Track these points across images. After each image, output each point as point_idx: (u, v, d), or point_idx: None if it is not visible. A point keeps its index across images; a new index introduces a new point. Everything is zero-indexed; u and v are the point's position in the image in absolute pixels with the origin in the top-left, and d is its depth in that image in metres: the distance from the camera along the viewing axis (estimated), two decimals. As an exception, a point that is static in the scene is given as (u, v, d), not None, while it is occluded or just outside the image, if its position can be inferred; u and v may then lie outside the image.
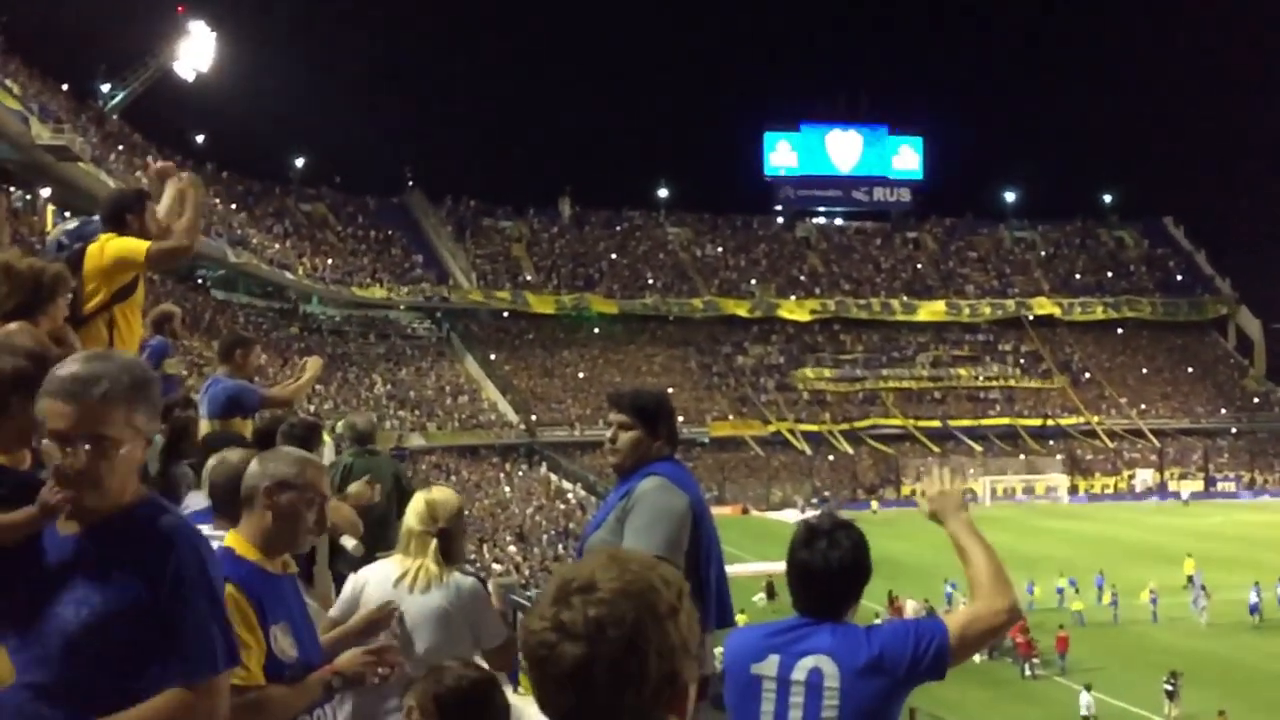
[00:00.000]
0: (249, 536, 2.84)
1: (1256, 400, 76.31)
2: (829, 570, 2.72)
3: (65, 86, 48.16)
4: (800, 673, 2.65)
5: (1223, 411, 74.72)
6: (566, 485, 55.77)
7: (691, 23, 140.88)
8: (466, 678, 2.67)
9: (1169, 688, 21.92)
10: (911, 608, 30.20)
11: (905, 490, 65.38)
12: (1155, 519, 52.96)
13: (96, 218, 4.87)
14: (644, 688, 1.29)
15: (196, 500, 3.83)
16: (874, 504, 58.96)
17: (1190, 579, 33.71)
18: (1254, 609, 30.00)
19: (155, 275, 33.41)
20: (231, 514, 3.21)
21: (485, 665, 3.29)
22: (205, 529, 2.81)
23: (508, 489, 52.09)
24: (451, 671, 2.70)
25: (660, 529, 3.26)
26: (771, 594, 32.63)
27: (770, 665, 2.67)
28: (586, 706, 1.29)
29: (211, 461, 3.58)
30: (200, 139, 65.30)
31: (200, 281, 52.08)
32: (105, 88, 54.55)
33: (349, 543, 6.03)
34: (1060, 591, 32.39)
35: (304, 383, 6.40)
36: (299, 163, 73.29)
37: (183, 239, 4.53)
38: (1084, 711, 21.83)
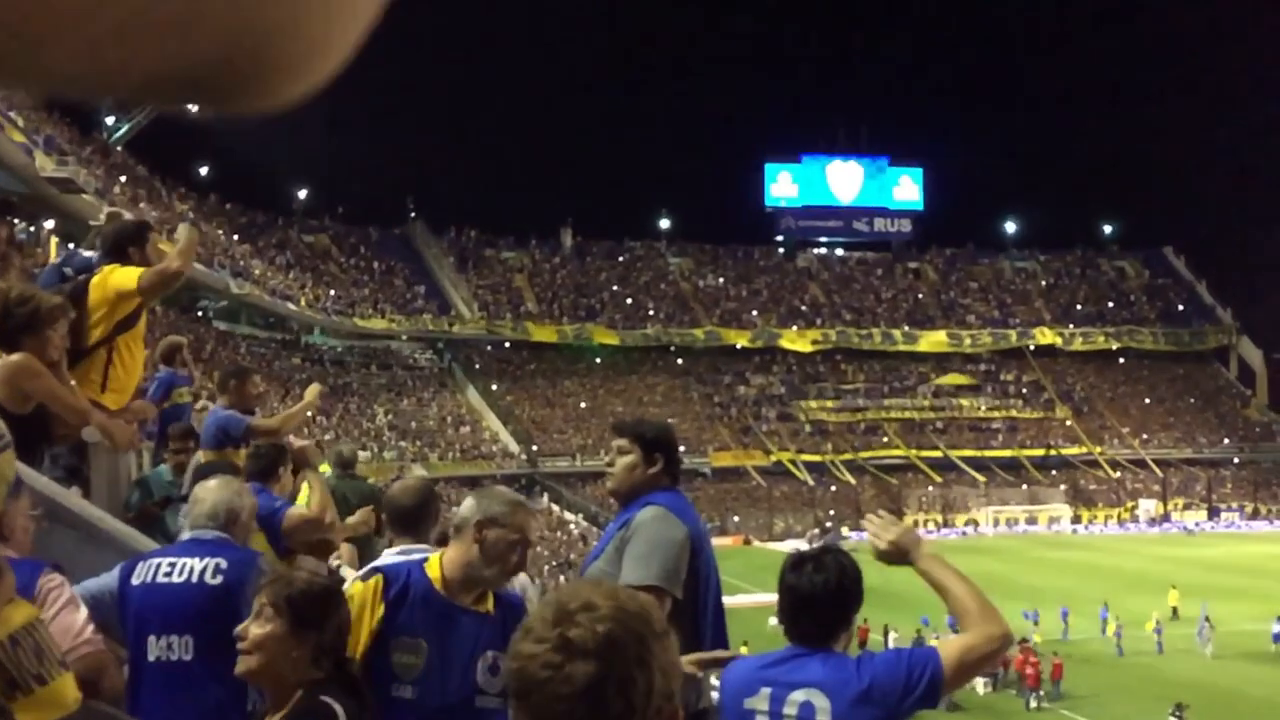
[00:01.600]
0: (446, 562, 2.99)
1: (1259, 430, 76.17)
2: (816, 596, 2.70)
3: (70, 119, 48.44)
4: (791, 707, 2.63)
5: (1225, 441, 74.55)
6: (568, 516, 55.62)
7: (693, 55, 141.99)
8: (316, 583, 2.68)
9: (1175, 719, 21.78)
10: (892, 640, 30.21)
11: (907, 521, 65.16)
12: (1159, 549, 52.72)
13: (84, 251, 4.93)
14: (649, 705, 1.27)
15: (185, 533, 3.85)
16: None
17: (1174, 610, 33.86)
18: (1277, 638, 30.12)
19: (156, 306, 33.53)
20: (411, 531, 3.70)
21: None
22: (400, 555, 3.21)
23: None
24: (301, 576, 2.73)
25: (658, 558, 3.25)
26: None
27: (762, 699, 2.65)
28: None
29: (197, 490, 3.60)
30: (204, 171, 65.59)
31: (202, 313, 52.16)
32: (109, 120, 54.86)
33: (349, 572, 6.07)
34: (1065, 617, 32.22)
35: (295, 410, 6.41)
36: (301, 194, 73.65)
37: (172, 261, 4.57)
38: None
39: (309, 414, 7.20)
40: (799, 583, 2.73)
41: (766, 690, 2.65)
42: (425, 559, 3.07)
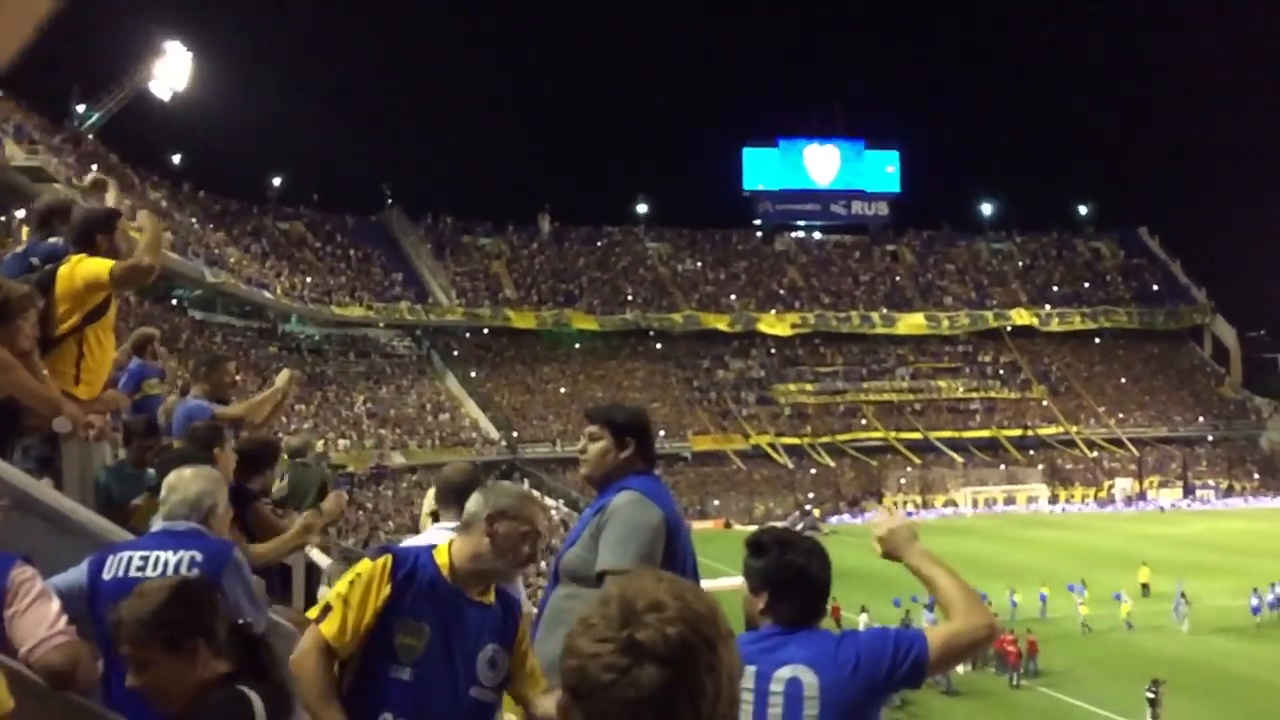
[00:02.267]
0: (455, 553, 3.01)
1: (1233, 408, 76.89)
2: (800, 578, 2.73)
3: (40, 108, 47.90)
4: (778, 684, 2.63)
5: (1200, 420, 75.25)
6: (549, 502, 55.57)
7: (670, 41, 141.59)
8: (171, 594, 2.61)
9: (1151, 695, 21.98)
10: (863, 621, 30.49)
11: (887, 502, 65.56)
12: (1136, 527, 53.23)
13: (53, 240, 4.86)
14: (716, 711, 1.20)
15: (155, 525, 3.81)
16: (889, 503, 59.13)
17: (1145, 587, 34.31)
18: (1256, 610, 30.76)
19: (130, 295, 33.24)
20: (460, 505, 3.58)
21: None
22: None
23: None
24: (152, 594, 2.63)
25: (633, 543, 3.25)
26: None
27: (747, 678, 2.64)
28: None
29: (173, 478, 3.55)
30: (177, 159, 65.06)
31: (177, 302, 51.79)
32: (80, 108, 54.26)
33: (324, 560, 6.07)
34: (1044, 599, 32.47)
35: (263, 397, 6.32)
36: (276, 182, 73.14)
37: (144, 256, 4.51)
38: None
39: (286, 401, 7.10)
40: (780, 564, 2.74)
41: (751, 669, 2.64)
42: (434, 546, 3.08)
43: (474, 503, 3.05)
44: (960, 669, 25.84)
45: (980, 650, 3.21)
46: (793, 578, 2.74)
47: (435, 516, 4.84)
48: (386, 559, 2.96)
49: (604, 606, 1.24)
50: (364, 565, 2.96)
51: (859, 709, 2.66)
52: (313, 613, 2.97)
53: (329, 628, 2.85)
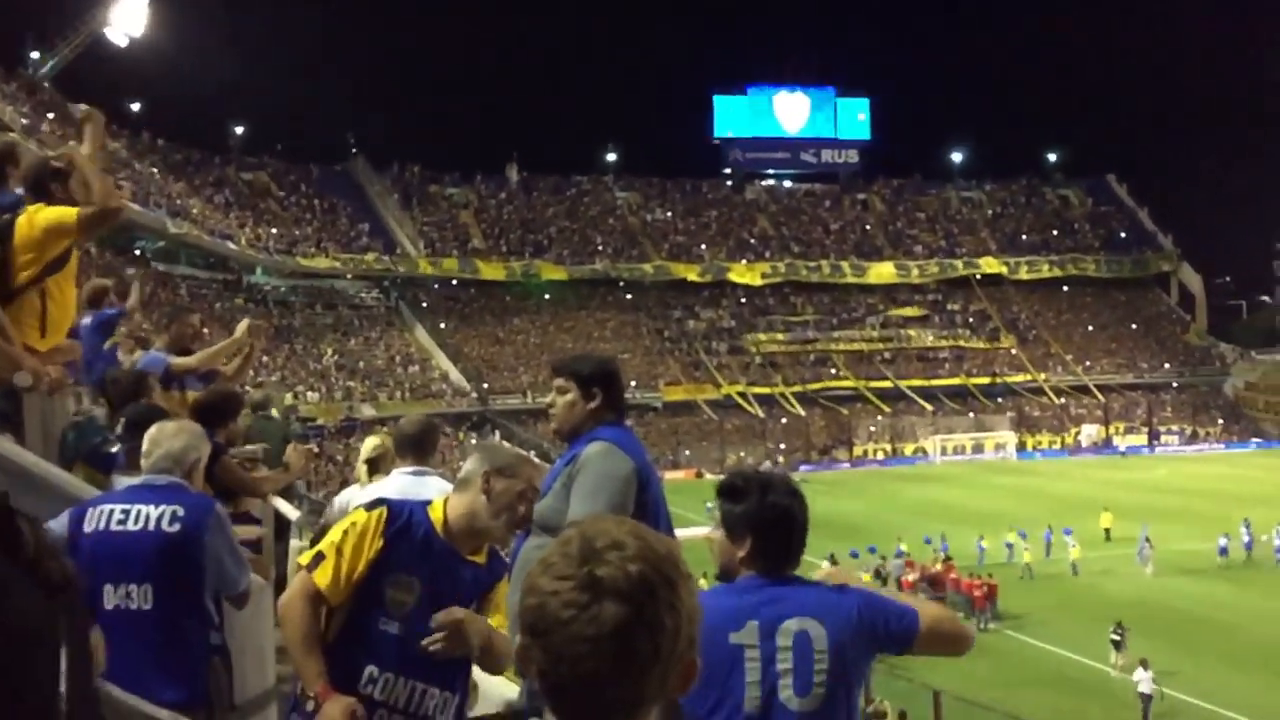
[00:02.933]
0: (450, 509, 3.00)
1: (1198, 354, 77.87)
2: (785, 519, 2.64)
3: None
4: (785, 638, 2.55)
5: (1165, 366, 76.18)
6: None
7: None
8: None
9: (1115, 638, 22.39)
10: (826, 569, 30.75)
11: (857, 451, 66.13)
12: (1102, 473, 54.02)
13: (15, 189, 4.71)
14: (675, 649, 1.22)
15: (122, 481, 3.74)
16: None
17: (1106, 532, 34.98)
18: (1224, 551, 31.48)
19: (90, 246, 32.67)
20: (414, 453, 4.54)
21: None
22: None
23: (461, 458, 51.89)
24: None
25: (604, 493, 3.23)
26: None
27: (750, 633, 2.56)
28: (616, 676, 1.20)
29: (154, 432, 3.48)
30: (135, 107, 63.73)
31: (139, 253, 51.03)
32: (35, 55, 53.03)
33: (293, 514, 6.00)
34: (1009, 546, 32.94)
35: (218, 348, 6.20)
36: (239, 131, 72.04)
37: (107, 201, 4.37)
38: (1144, 689, 19.66)
39: (255, 353, 6.99)
40: (764, 506, 2.64)
41: (753, 623, 2.55)
42: (429, 501, 3.08)
43: (472, 461, 3.06)
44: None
45: (957, 652, 3.17)
46: (777, 519, 2.64)
47: (372, 466, 5.35)
48: (381, 511, 2.95)
49: (564, 546, 1.25)
50: (358, 515, 2.96)
51: (860, 663, 2.62)
52: (304, 558, 2.94)
53: (321, 576, 2.85)
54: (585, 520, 1.30)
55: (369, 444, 5.60)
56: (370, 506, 3.00)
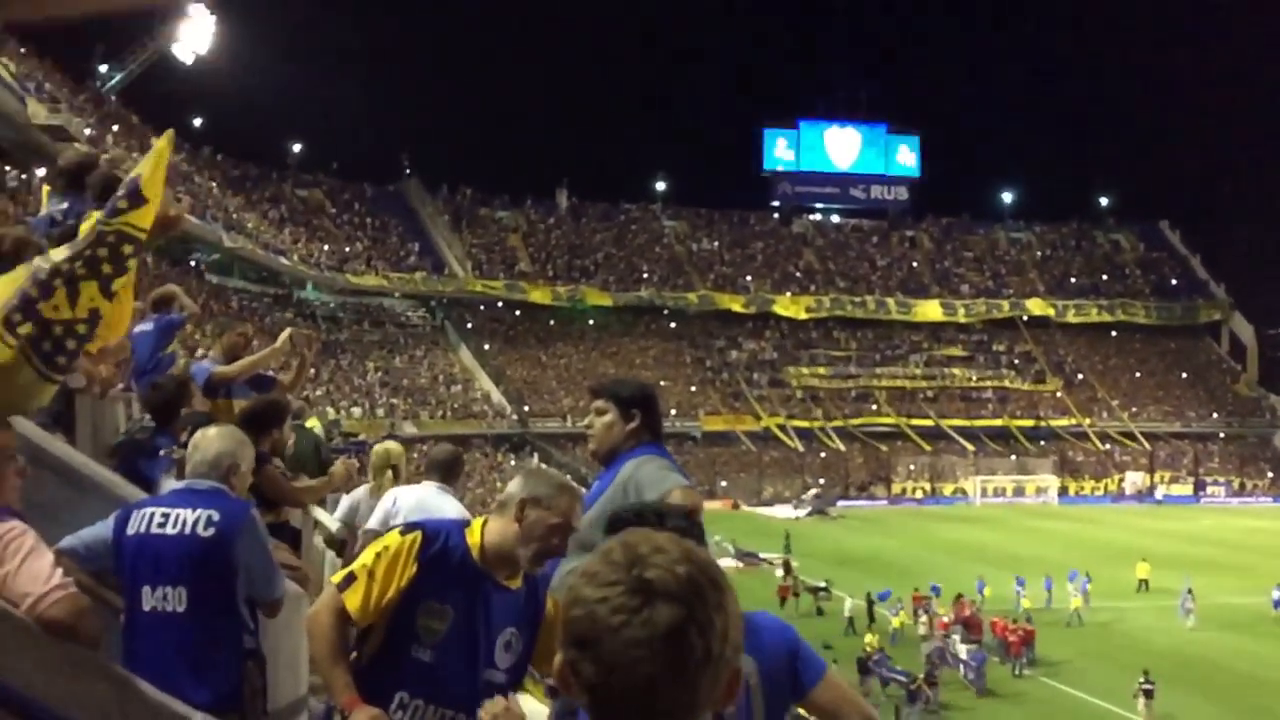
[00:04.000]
0: (487, 532, 2.97)
1: (1247, 405, 76.49)
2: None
3: (64, 67, 47.93)
4: None
5: (1214, 416, 74.88)
6: (558, 477, 55.77)
7: (692, 18, 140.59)
8: None
9: (1147, 688, 22.01)
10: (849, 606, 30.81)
11: (896, 488, 65.55)
12: (1144, 522, 53.12)
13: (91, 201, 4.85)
14: (725, 650, 1.19)
15: (170, 483, 3.84)
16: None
17: (1143, 582, 34.22)
18: (1278, 604, 30.95)
19: (147, 256, 33.30)
20: (441, 475, 5.51)
21: None
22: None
23: (499, 479, 52.09)
24: None
25: (674, 473, 3.29)
26: (788, 569, 34.21)
27: None
28: (671, 680, 1.16)
29: (197, 437, 3.60)
30: (198, 122, 64.98)
31: (195, 265, 51.89)
32: (103, 68, 54.29)
33: (333, 524, 6.13)
34: (1049, 588, 32.49)
35: (258, 357, 6.28)
36: (296, 148, 73.10)
37: (165, 210, 4.50)
38: None
39: (303, 361, 7.08)
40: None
41: None
42: (468, 522, 3.06)
43: (514, 484, 3.04)
44: (963, 653, 25.82)
45: None
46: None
47: (396, 471, 6.38)
48: (416, 536, 2.92)
49: (606, 554, 1.22)
50: (392, 538, 2.94)
51: (782, 700, 2.63)
52: (336, 578, 2.95)
53: (352, 599, 2.85)
54: (624, 532, 1.30)
55: (394, 450, 6.40)
56: (406, 530, 2.97)
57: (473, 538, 2.97)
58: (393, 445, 6.69)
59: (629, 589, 1.17)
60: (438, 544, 2.91)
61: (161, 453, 4.53)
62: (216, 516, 3.33)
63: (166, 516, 3.33)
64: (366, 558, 2.91)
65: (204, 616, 3.27)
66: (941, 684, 23.85)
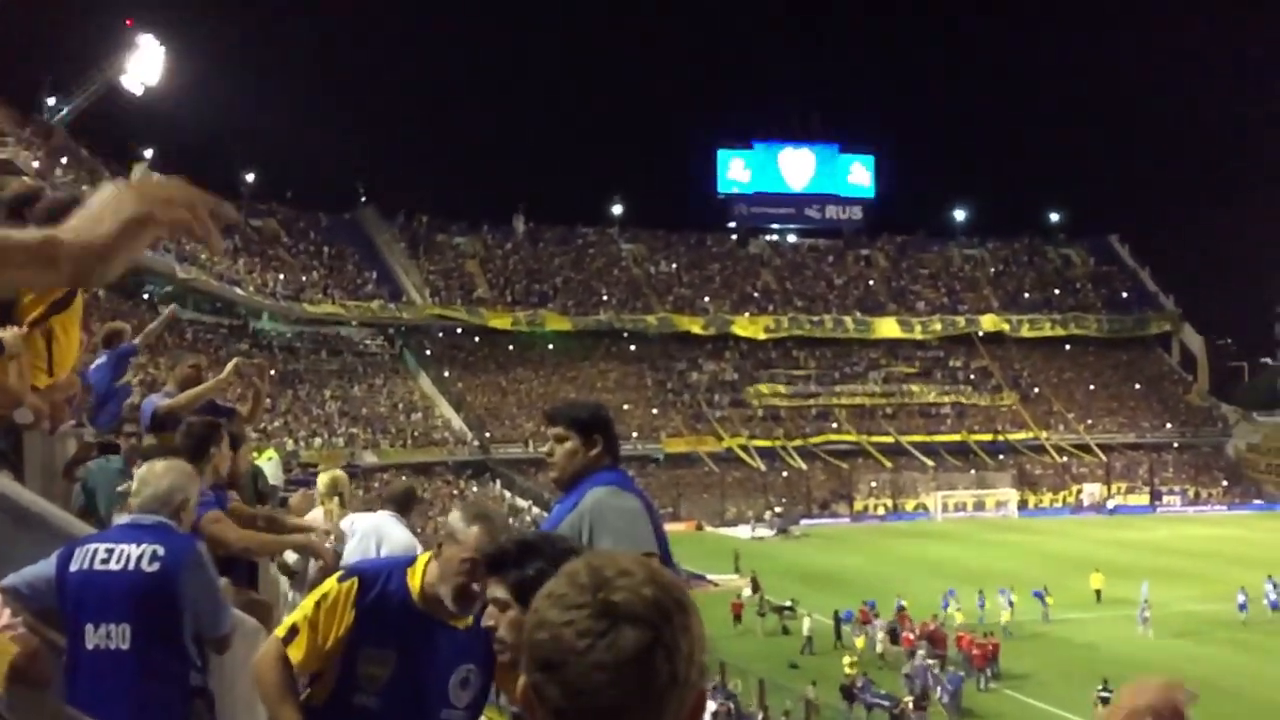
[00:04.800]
0: (427, 573, 2.92)
1: (1200, 415, 77.72)
2: None
3: (10, 99, 47.34)
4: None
5: (1167, 426, 75.99)
6: (520, 503, 55.53)
7: (645, 41, 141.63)
8: None
9: (1105, 695, 22.22)
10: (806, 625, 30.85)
11: (858, 505, 65.87)
12: (1102, 533, 53.73)
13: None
14: (690, 673, 1.19)
15: (121, 518, 3.78)
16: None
17: (1097, 593, 34.63)
18: (1243, 607, 31.52)
19: (99, 290, 32.87)
20: (395, 508, 5.93)
21: None
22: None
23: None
24: None
25: (639, 527, 3.23)
26: (756, 587, 34.33)
27: None
28: (638, 704, 1.15)
29: (144, 472, 3.55)
30: (149, 153, 64.26)
31: (147, 297, 51.30)
32: (51, 101, 53.68)
33: (290, 557, 6.09)
34: (1010, 603, 32.72)
35: (203, 388, 6.22)
36: (250, 178, 72.62)
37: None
38: None
39: (258, 392, 7.06)
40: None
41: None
42: (412, 561, 3.01)
43: (450, 517, 3.00)
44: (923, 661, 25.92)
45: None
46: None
47: (343, 499, 6.56)
48: (353, 583, 2.88)
49: (572, 577, 1.21)
50: (329, 586, 2.91)
51: None
52: (280, 631, 2.92)
53: (295, 651, 2.83)
54: (588, 553, 1.30)
55: (340, 478, 6.61)
56: (344, 577, 2.93)
57: (413, 580, 2.91)
58: (338, 473, 6.89)
59: (594, 612, 1.16)
60: (375, 589, 2.87)
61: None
62: (162, 551, 3.27)
63: (110, 552, 3.25)
64: (307, 607, 2.89)
65: (149, 654, 3.20)
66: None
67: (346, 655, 2.83)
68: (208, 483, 4.64)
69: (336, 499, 6.43)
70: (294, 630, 2.86)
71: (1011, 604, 32.10)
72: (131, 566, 3.23)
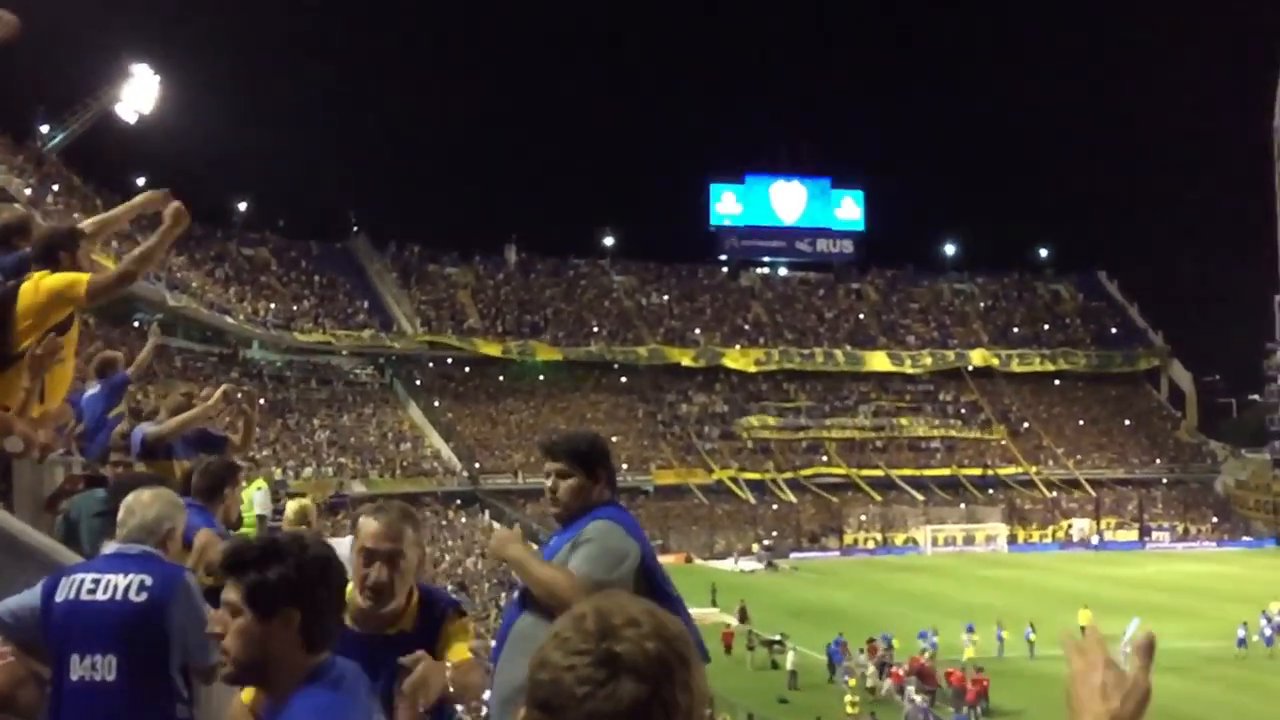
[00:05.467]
0: (352, 595, 2.90)
1: (1188, 451, 77.88)
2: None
3: (2, 126, 47.44)
4: None
5: (1156, 462, 76.12)
6: (509, 534, 55.22)
7: (639, 74, 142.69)
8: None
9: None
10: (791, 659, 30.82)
11: (848, 539, 65.74)
12: (1092, 568, 53.69)
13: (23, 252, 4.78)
14: None
15: (109, 547, 3.76)
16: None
17: (1083, 630, 34.28)
18: (1241, 643, 31.82)
19: (88, 317, 32.84)
20: None
21: None
22: None
23: (450, 537, 51.51)
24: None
25: (608, 561, 3.19)
26: (744, 617, 34.27)
27: None
28: None
29: (130, 501, 3.53)
30: (141, 181, 64.26)
31: (137, 325, 51.20)
32: (44, 128, 53.81)
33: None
34: (1000, 639, 32.61)
35: (189, 415, 6.21)
36: (242, 207, 72.71)
37: (129, 265, 4.42)
38: None
39: (249, 420, 7.10)
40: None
41: None
42: None
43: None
44: (918, 699, 25.80)
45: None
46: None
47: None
48: None
49: (578, 621, 1.22)
50: None
51: None
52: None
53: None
54: (599, 595, 1.30)
55: (308, 506, 6.71)
56: None
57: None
58: (306, 502, 6.96)
59: (596, 661, 1.17)
60: None
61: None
62: (149, 581, 3.24)
63: (97, 582, 3.22)
64: None
65: (135, 685, 3.16)
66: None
67: None
68: (219, 522, 4.63)
69: (304, 528, 6.44)
70: None
71: (1001, 639, 32.00)
72: (119, 597, 3.21)
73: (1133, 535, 68.12)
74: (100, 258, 5.33)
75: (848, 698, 26.04)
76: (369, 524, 2.90)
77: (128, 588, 3.23)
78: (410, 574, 3.00)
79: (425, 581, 3.26)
